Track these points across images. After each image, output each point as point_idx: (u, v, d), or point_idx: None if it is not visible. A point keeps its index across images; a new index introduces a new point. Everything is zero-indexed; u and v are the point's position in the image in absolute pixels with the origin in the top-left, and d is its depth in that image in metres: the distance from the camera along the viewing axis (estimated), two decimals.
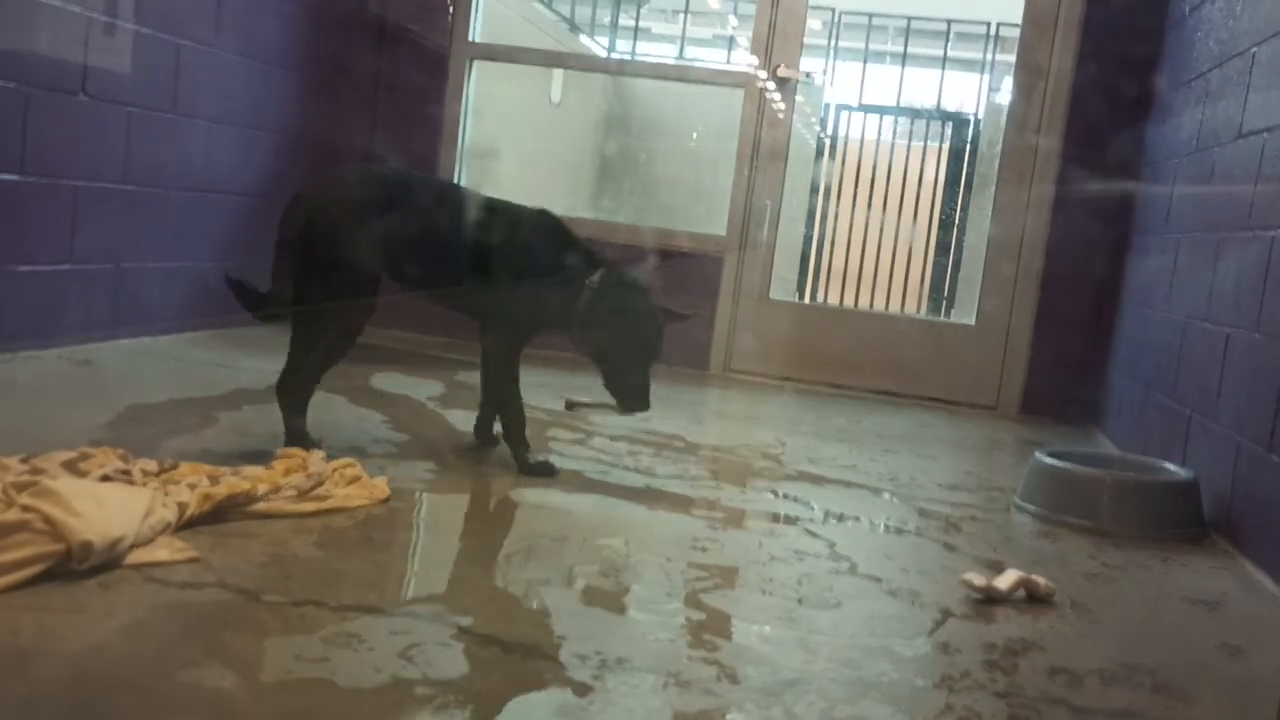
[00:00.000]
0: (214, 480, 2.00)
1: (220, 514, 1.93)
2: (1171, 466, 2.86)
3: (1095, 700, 1.62)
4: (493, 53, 4.83)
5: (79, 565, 1.60)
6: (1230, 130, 3.00)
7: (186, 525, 1.85)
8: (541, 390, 3.70)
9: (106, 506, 1.70)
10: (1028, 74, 4.41)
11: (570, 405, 3.44)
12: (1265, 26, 2.81)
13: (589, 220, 5.07)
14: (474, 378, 3.85)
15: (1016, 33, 4.54)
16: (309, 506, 2.05)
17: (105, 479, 1.90)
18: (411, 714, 1.36)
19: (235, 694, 1.34)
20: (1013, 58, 4.58)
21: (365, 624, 1.59)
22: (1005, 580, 2.02)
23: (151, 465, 2.06)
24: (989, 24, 6.63)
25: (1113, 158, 4.22)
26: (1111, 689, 1.68)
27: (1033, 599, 2.04)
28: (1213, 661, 1.86)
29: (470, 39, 4.71)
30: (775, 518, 2.50)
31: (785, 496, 2.69)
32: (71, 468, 1.95)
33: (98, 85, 3.29)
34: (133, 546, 1.69)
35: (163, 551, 1.72)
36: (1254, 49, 2.87)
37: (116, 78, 3.37)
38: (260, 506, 1.99)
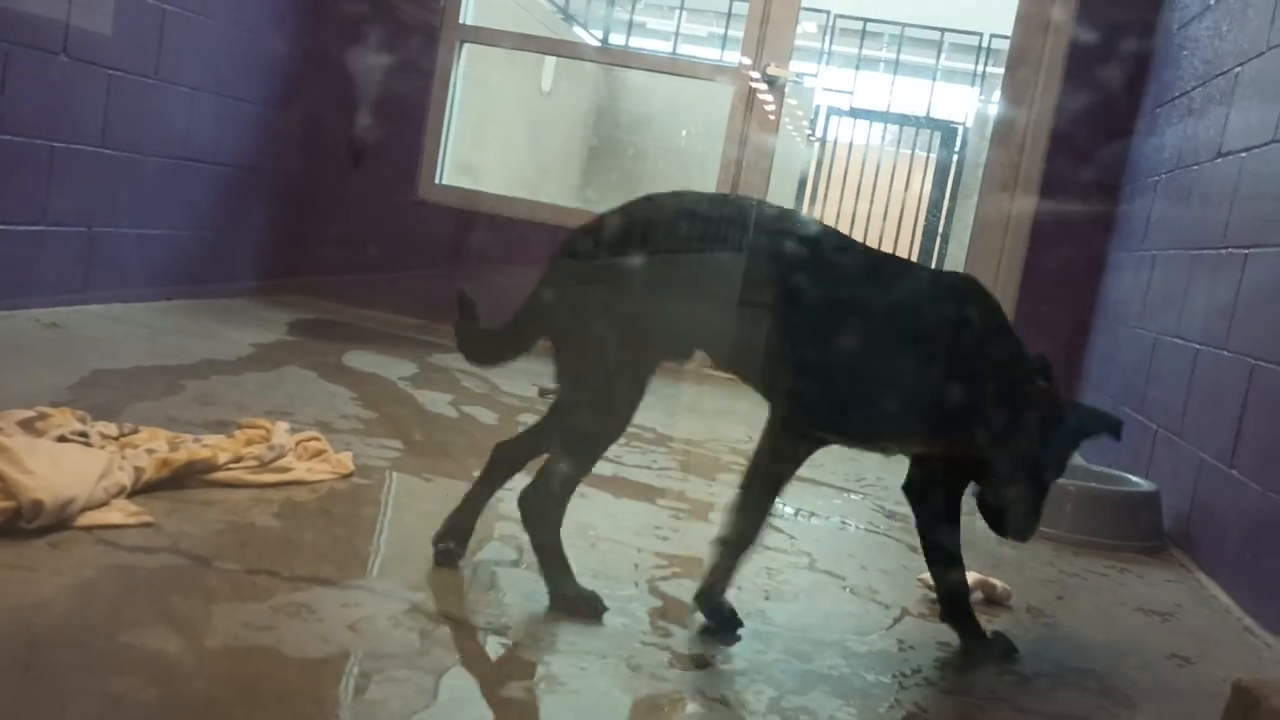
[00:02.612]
0: (173, 446, 1.99)
1: (178, 480, 1.91)
2: (1134, 479, 2.87)
3: (1042, 702, 1.63)
4: (484, 36, 4.80)
5: (29, 523, 1.59)
6: (1210, 149, 3.01)
7: (143, 490, 1.84)
8: (514, 376, 3.69)
9: (60, 467, 1.68)
10: (1016, 86, 4.43)
11: (543, 391, 3.44)
12: (1250, 47, 2.82)
13: (574, 210, 5.06)
14: (447, 360, 3.86)
15: (1007, 45, 4.55)
16: (269, 478, 2.03)
17: (62, 440, 1.89)
18: (356, 686, 1.35)
19: (178, 657, 1.33)
20: (1003, 70, 4.59)
21: (317, 595, 1.58)
22: None
23: (111, 429, 2.04)
24: (981, 35, 6.66)
25: (1095, 172, 4.24)
26: (1059, 692, 1.68)
27: (990, 602, 2.05)
28: (1161, 670, 1.87)
29: (461, 20, 4.69)
30: None
31: None
32: (28, 427, 1.93)
33: (80, 46, 3.26)
34: (85, 508, 1.68)
35: (115, 514, 1.71)
36: (1238, 68, 2.88)
37: (99, 40, 3.34)
38: (219, 475, 1.97)
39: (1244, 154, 2.72)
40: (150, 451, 1.92)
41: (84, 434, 1.96)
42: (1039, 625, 1.99)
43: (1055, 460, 1.81)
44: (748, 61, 4.57)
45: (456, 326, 1.85)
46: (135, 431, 2.07)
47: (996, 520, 1.78)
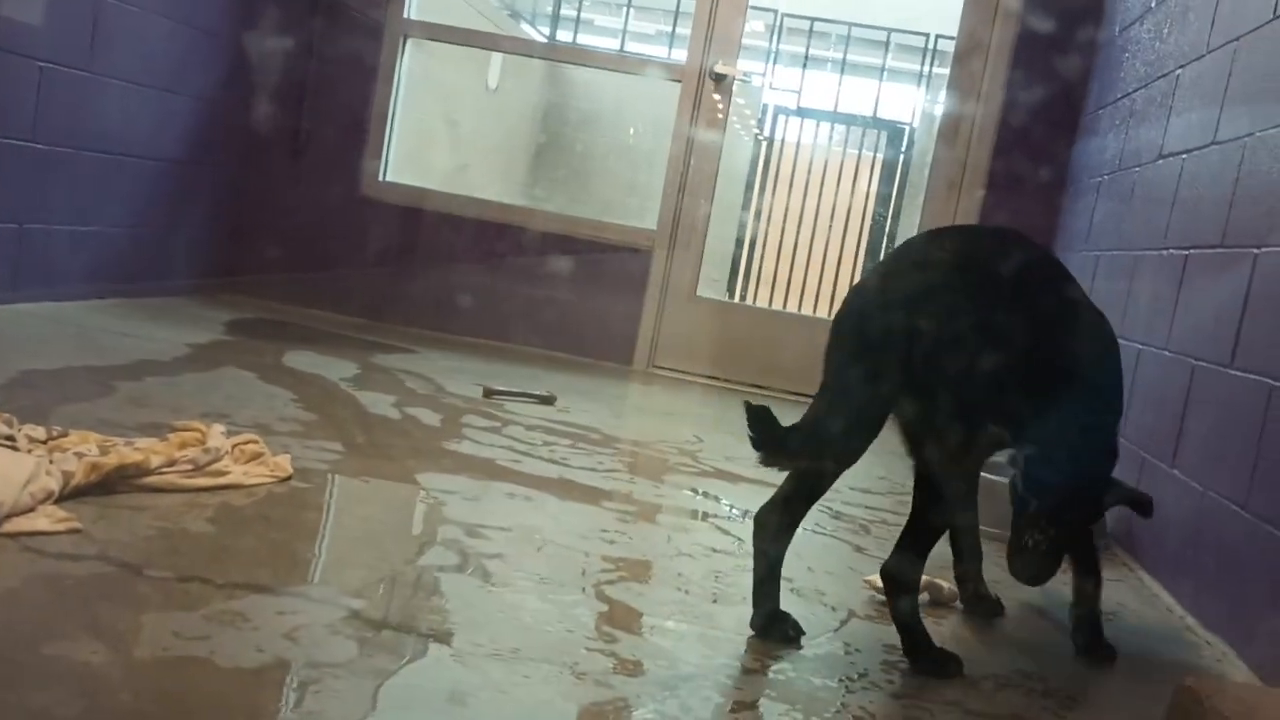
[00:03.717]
0: (104, 450, 1.93)
1: (109, 485, 1.86)
2: None
3: (988, 704, 1.63)
4: (429, 31, 4.75)
5: None
6: (1151, 151, 3.05)
7: (72, 495, 1.78)
8: (459, 376, 3.65)
9: None
10: (961, 87, 4.46)
11: (488, 393, 3.40)
12: (1190, 50, 2.85)
13: (521, 207, 5.02)
14: (391, 360, 3.80)
15: (953, 45, 4.58)
16: (204, 482, 1.98)
17: None
18: (292, 696, 1.31)
19: (105, 669, 1.28)
20: (948, 71, 4.62)
21: (252, 603, 1.54)
22: None
23: (39, 432, 1.98)
24: (928, 36, 6.69)
25: (1039, 173, 4.28)
26: (1004, 693, 1.68)
27: (935, 603, 2.05)
28: (1106, 670, 1.88)
29: (406, 15, 4.63)
30: (687, 513, 2.48)
31: (699, 493, 2.67)
32: None
33: (8, 38, 3.16)
34: (10, 514, 1.62)
35: (42, 521, 1.65)
36: (1179, 71, 2.91)
37: (29, 30, 3.24)
38: (152, 479, 1.91)
39: (1184, 156, 2.75)
40: (80, 455, 1.86)
41: (10, 437, 1.89)
42: (984, 626, 1.99)
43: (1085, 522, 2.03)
44: (695, 59, 4.56)
45: (757, 443, 1.75)
46: (64, 434, 2.00)
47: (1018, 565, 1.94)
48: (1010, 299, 1.75)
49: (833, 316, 1.80)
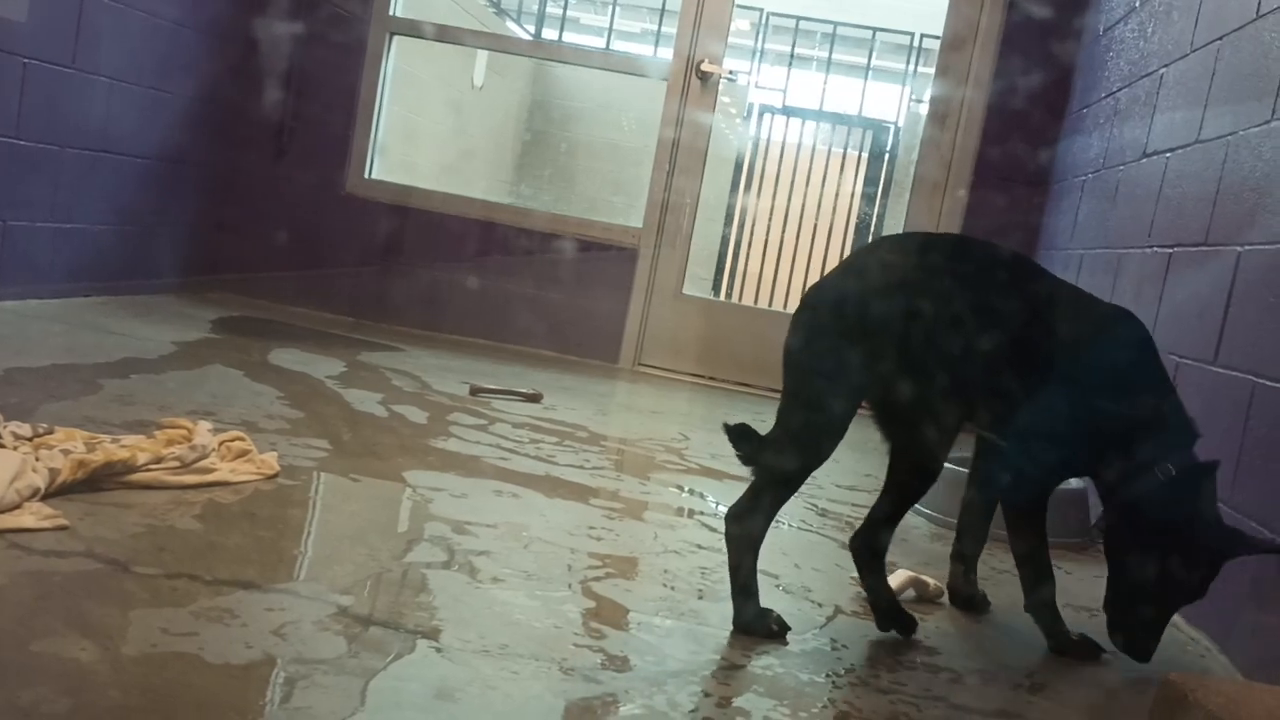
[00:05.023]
0: (90, 447, 1.93)
1: (95, 482, 1.85)
2: None
3: (974, 699, 1.64)
4: (414, 28, 4.74)
5: None
6: (1136, 149, 3.06)
7: (58, 492, 1.78)
8: (446, 374, 3.65)
9: None
10: (946, 86, 4.47)
11: (474, 390, 3.40)
12: (1174, 49, 2.87)
13: (506, 205, 5.02)
14: (376, 358, 3.80)
15: (938, 45, 4.59)
16: (191, 479, 1.98)
17: None
18: (279, 692, 1.31)
19: (92, 665, 1.28)
20: (933, 69, 4.64)
21: (240, 599, 1.53)
22: (896, 579, 2.03)
23: (25, 429, 1.97)
24: (912, 34, 6.71)
25: (1024, 171, 4.31)
26: (990, 688, 1.69)
27: (921, 599, 2.06)
28: (1089, 667, 1.89)
29: (391, 13, 4.62)
30: (674, 510, 2.48)
31: (685, 490, 2.68)
32: None
33: None
34: None
35: (28, 518, 1.64)
36: (1162, 70, 2.93)
37: (14, 27, 3.22)
38: (139, 476, 1.91)
39: (1168, 154, 2.77)
40: (66, 452, 1.85)
41: None
42: (969, 622, 2.00)
43: (1192, 584, 1.75)
44: (681, 57, 4.56)
45: (747, 458, 1.83)
46: (50, 432, 2.00)
47: (1117, 631, 1.84)
48: (984, 281, 1.82)
49: (792, 318, 1.86)
